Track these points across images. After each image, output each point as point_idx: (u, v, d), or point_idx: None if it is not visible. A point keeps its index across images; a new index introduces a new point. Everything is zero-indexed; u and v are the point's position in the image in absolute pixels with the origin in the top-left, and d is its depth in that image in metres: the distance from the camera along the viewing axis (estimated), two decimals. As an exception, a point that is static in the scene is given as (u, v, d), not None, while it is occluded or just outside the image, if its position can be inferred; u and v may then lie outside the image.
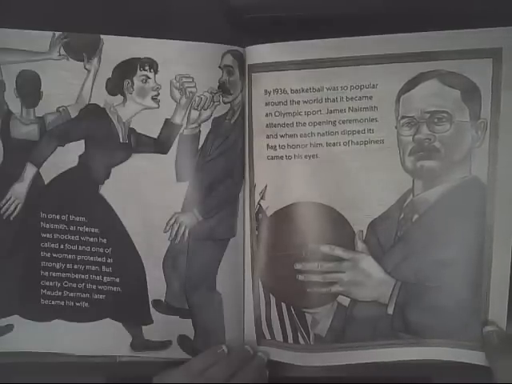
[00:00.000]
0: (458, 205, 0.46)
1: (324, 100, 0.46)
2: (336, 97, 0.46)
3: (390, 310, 0.47)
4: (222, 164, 0.48)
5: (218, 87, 0.47)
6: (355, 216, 0.47)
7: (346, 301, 0.48)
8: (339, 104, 0.46)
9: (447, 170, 0.45)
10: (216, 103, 0.47)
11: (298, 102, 0.46)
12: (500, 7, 0.44)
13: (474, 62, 0.44)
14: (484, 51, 0.44)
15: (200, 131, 0.47)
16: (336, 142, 0.46)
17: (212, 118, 0.47)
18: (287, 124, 0.47)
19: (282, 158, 0.47)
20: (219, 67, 0.46)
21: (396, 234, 0.47)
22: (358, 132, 0.46)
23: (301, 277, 0.48)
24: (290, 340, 0.49)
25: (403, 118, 0.45)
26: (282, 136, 0.47)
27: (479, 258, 0.45)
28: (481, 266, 0.45)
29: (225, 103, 0.47)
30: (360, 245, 0.47)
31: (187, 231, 0.48)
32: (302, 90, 0.46)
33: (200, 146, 0.47)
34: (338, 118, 0.46)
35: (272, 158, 0.47)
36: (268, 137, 0.47)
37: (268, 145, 0.47)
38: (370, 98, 0.46)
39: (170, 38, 0.46)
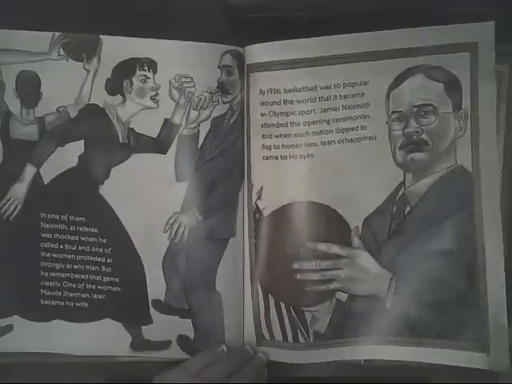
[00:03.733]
0: (446, 194, 0.47)
1: (318, 99, 0.47)
2: (329, 95, 0.47)
3: (388, 304, 0.47)
4: (222, 164, 0.48)
5: (217, 87, 0.47)
6: (351, 212, 0.47)
7: (344, 297, 0.48)
8: (333, 102, 0.47)
9: (435, 161, 0.46)
10: (215, 103, 0.47)
11: (292, 102, 0.47)
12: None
13: (453, 56, 0.46)
14: (462, 45, 0.46)
15: (199, 131, 0.47)
16: (330, 140, 0.47)
17: (211, 117, 0.47)
18: (281, 124, 0.47)
19: (277, 158, 0.48)
20: (218, 67, 0.47)
21: (390, 228, 0.47)
22: (352, 129, 0.47)
23: (299, 276, 0.48)
24: (290, 339, 0.49)
25: (393, 113, 0.47)
26: (276, 136, 0.47)
27: (472, 246, 0.46)
28: (474, 254, 0.46)
29: (224, 103, 0.47)
30: (356, 241, 0.47)
31: (187, 231, 0.48)
32: (296, 90, 0.47)
33: (199, 146, 0.47)
34: (331, 117, 0.47)
35: (267, 158, 0.48)
36: (263, 137, 0.48)
37: (263, 145, 0.48)
38: (362, 94, 0.47)
39: (170, 38, 0.46)
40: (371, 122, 0.47)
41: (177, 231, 0.48)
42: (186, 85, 0.46)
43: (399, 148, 0.46)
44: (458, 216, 0.46)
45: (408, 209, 0.47)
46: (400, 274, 0.47)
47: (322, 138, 0.47)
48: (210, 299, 0.48)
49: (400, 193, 0.47)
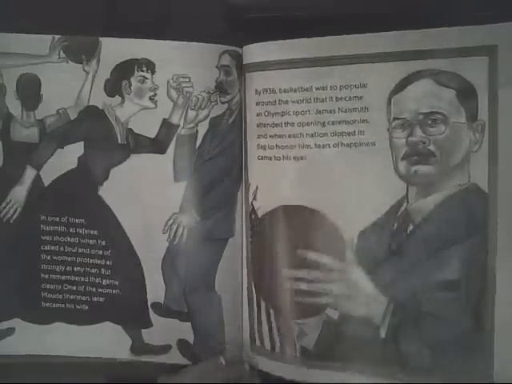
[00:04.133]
0: (456, 216, 0.42)
1: (313, 100, 0.44)
2: (325, 97, 0.44)
3: (383, 333, 0.43)
4: (221, 163, 0.47)
5: (216, 87, 0.47)
6: (345, 223, 0.44)
7: (334, 314, 0.44)
8: (328, 104, 0.44)
9: (444, 177, 0.42)
10: (213, 103, 0.47)
11: (287, 102, 0.45)
12: (495, 3, 0.42)
13: (468, 61, 0.41)
14: (479, 49, 0.41)
15: (197, 131, 0.47)
16: (325, 143, 0.44)
17: (209, 117, 0.47)
18: (276, 124, 0.45)
19: (271, 158, 0.46)
20: (216, 67, 0.46)
21: (389, 246, 0.43)
22: (349, 134, 0.43)
23: (289, 284, 0.45)
24: (278, 349, 0.46)
25: (395, 119, 0.43)
26: (271, 136, 0.46)
27: (482, 280, 0.41)
28: (484, 288, 0.41)
29: (222, 103, 0.47)
30: (350, 255, 0.44)
31: (186, 232, 0.47)
32: (291, 90, 0.45)
33: (198, 146, 0.47)
34: (327, 119, 0.44)
35: (262, 159, 0.46)
36: (259, 137, 0.46)
37: (259, 145, 0.46)
38: (361, 98, 0.43)
39: (169, 39, 0.46)
40: (370, 127, 0.43)
41: (176, 232, 0.47)
42: (183, 85, 0.46)
43: (402, 158, 0.42)
44: (468, 242, 0.41)
45: (411, 227, 0.42)
46: (398, 302, 0.43)
47: (316, 141, 0.44)
48: (209, 300, 0.48)
49: (402, 208, 0.43)
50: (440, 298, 0.42)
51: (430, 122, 0.42)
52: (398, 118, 0.43)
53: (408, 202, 0.43)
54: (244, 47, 0.46)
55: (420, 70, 0.42)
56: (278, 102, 0.45)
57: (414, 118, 0.42)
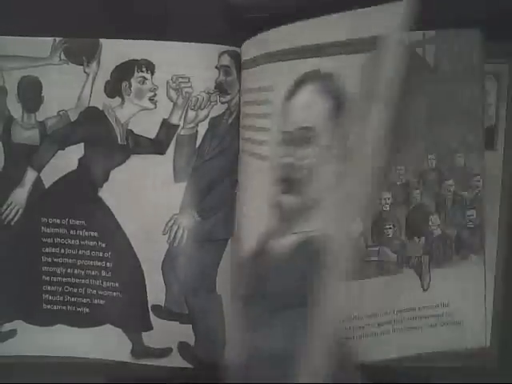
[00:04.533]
0: (295, 271, 0.32)
1: (251, 103, 0.41)
2: (255, 99, 0.39)
3: None
4: (221, 163, 0.47)
5: (215, 87, 0.46)
6: (241, 243, 0.39)
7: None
8: (253, 108, 0.40)
9: (302, 216, 0.32)
10: (213, 103, 0.46)
11: (248, 103, 0.43)
12: None
13: (347, 60, 0.29)
14: (359, 42, 0.28)
15: (197, 131, 0.47)
16: (251, 152, 0.39)
17: (209, 117, 0.47)
18: (245, 126, 0.44)
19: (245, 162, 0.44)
20: (216, 67, 0.46)
21: (253, 289, 0.36)
22: (260, 143, 0.37)
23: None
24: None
25: (281, 132, 0.34)
26: (242, 138, 0.44)
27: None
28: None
29: (222, 103, 0.47)
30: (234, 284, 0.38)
31: (186, 233, 0.47)
32: (248, 91, 0.42)
33: (197, 146, 0.47)
34: (252, 124, 0.40)
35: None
36: (241, 138, 0.45)
37: (241, 147, 0.45)
38: (268, 102, 0.36)
39: (168, 39, 0.46)
40: (269, 137, 0.35)
41: (176, 233, 0.47)
42: (183, 85, 0.46)
43: (273, 182, 0.34)
44: (294, 311, 0.31)
45: (268, 269, 0.34)
46: (247, 360, 0.36)
47: (246, 147, 0.41)
48: (210, 301, 0.47)
49: (268, 243, 0.34)
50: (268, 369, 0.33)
51: (301, 141, 0.32)
52: (283, 132, 0.34)
53: (272, 238, 0.34)
54: (242, 46, 0.46)
55: (309, 72, 0.32)
56: (250, 103, 0.43)
57: (294, 133, 0.33)
